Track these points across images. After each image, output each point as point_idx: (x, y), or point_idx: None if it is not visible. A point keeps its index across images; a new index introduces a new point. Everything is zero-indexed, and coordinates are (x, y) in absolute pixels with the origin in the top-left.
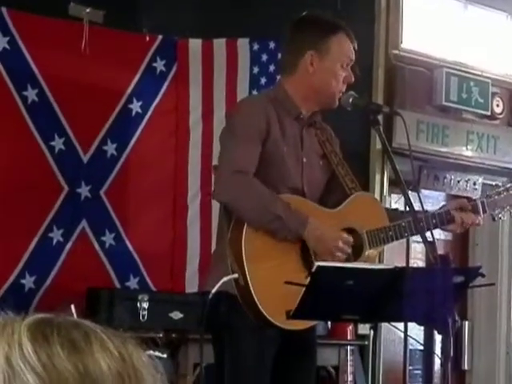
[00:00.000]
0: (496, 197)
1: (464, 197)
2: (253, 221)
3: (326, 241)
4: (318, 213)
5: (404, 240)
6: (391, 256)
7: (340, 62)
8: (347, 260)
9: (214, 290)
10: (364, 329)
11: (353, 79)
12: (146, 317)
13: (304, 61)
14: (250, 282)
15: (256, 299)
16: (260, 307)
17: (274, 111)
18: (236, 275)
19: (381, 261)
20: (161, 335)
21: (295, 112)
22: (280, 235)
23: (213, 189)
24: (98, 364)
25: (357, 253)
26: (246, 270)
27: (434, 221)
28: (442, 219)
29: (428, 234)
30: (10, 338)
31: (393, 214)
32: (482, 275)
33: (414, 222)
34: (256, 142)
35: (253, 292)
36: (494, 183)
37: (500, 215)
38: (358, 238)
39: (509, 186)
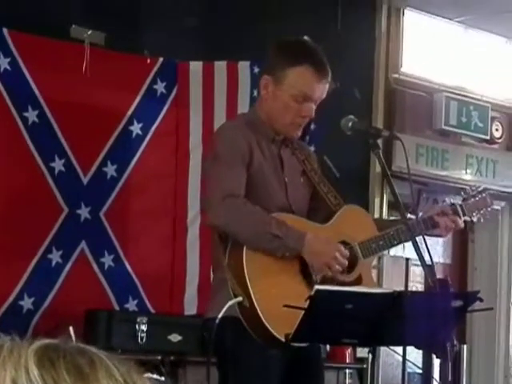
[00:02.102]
0: (472, 199)
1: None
2: (251, 242)
3: (323, 254)
4: (313, 228)
5: (403, 263)
6: (390, 279)
7: (292, 94)
8: (342, 272)
9: (220, 315)
10: (362, 352)
11: (313, 115)
12: (144, 339)
13: (261, 84)
14: (255, 302)
15: (263, 318)
16: (267, 326)
17: (252, 134)
18: (240, 298)
19: (379, 284)
20: (159, 358)
21: (269, 134)
22: (279, 253)
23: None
24: None
25: (351, 265)
26: (251, 290)
27: (419, 227)
28: (426, 225)
29: (427, 257)
30: (17, 362)
31: (380, 223)
32: (481, 300)
33: (402, 229)
34: (241, 167)
35: (259, 311)
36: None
37: (474, 218)
38: (351, 251)
39: (481, 189)
